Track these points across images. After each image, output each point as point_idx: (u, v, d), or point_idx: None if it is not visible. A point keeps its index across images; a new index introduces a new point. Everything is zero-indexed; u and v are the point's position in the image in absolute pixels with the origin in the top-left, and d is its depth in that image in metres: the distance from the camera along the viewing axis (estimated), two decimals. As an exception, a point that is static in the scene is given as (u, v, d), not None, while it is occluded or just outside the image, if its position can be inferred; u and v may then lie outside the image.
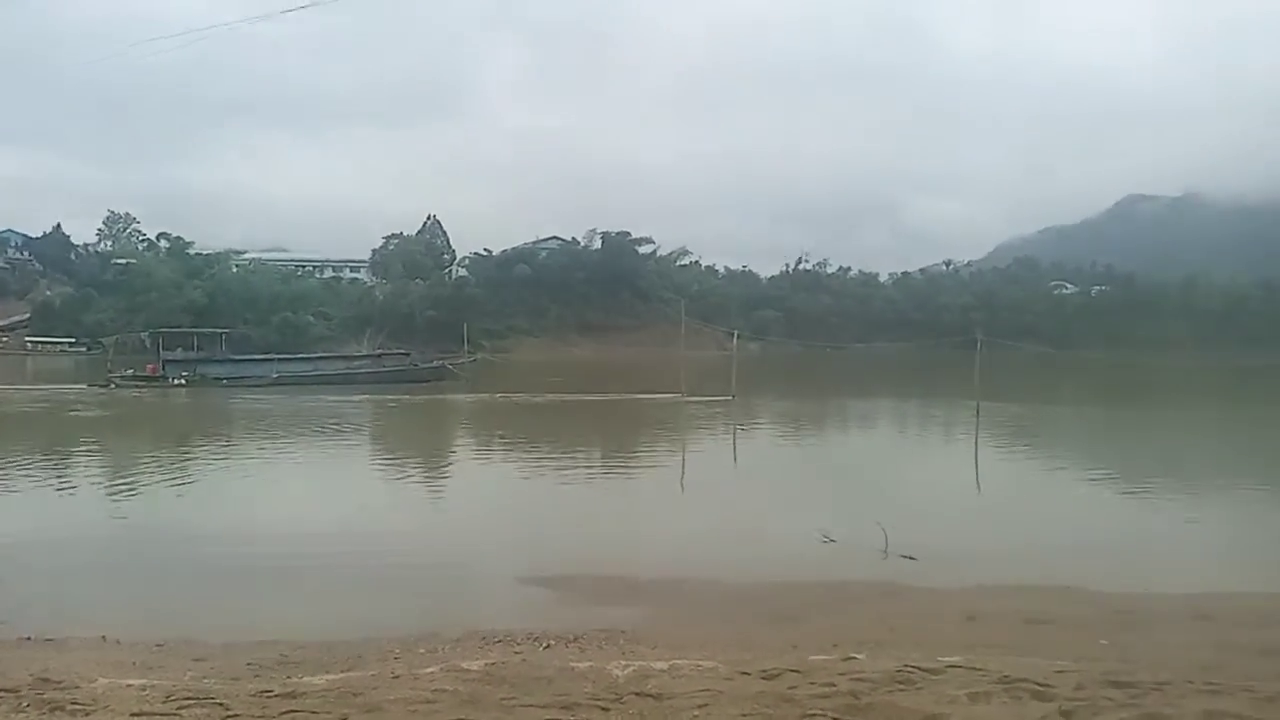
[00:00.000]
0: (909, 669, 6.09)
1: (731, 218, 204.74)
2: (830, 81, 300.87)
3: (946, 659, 6.42)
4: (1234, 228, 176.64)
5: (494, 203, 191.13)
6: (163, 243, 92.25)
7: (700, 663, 6.49)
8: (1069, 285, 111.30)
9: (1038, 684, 5.73)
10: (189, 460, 20.81)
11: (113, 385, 42.44)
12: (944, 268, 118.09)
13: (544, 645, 7.36)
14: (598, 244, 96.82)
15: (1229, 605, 8.86)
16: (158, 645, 7.60)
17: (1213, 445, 24.36)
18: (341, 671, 6.57)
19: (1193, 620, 8.33)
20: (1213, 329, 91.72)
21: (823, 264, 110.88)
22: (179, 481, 17.74)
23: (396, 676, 6.26)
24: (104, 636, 7.80)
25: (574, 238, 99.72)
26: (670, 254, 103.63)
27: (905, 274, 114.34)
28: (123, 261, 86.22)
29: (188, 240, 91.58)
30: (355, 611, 8.90)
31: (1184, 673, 6.24)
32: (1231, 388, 45.59)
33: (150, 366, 46.28)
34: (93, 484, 17.81)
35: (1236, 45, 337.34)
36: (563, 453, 22.28)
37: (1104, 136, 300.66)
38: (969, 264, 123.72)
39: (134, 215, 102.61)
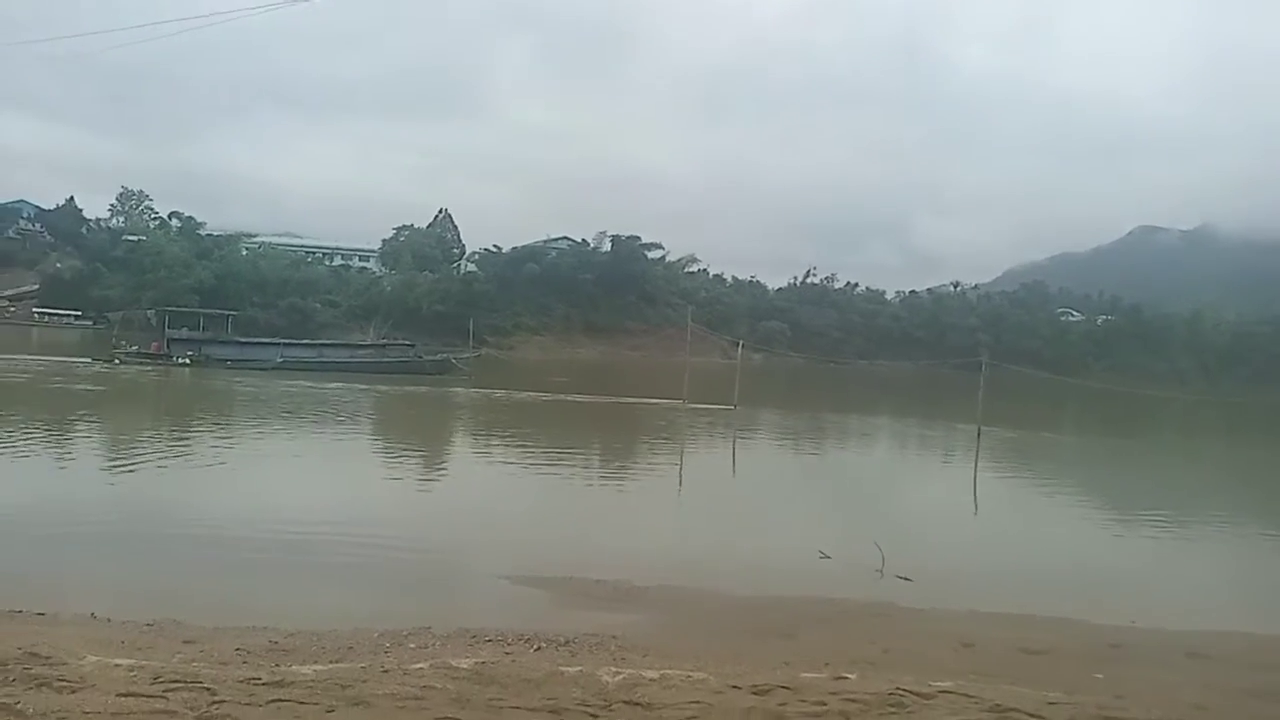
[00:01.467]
0: (901, 692, 6.04)
1: (740, 228, 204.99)
2: (843, 98, 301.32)
3: (939, 684, 6.37)
4: (1244, 263, 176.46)
5: (506, 199, 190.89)
6: (174, 222, 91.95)
7: (691, 674, 6.44)
8: (1075, 313, 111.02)
9: (1029, 714, 5.68)
10: (189, 441, 20.83)
11: (117, 361, 42.60)
12: (951, 288, 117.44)
13: (535, 647, 7.31)
14: (607, 246, 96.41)
15: (1222, 644, 8.81)
16: (147, 625, 7.57)
17: (1212, 480, 24.29)
18: (330, 662, 6.54)
19: (1186, 658, 8.27)
20: (1218, 363, 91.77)
21: (830, 278, 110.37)
22: (177, 462, 17.75)
23: (386, 670, 6.22)
24: (94, 613, 7.79)
25: (584, 239, 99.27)
26: (679, 260, 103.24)
27: (913, 292, 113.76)
28: (133, 238, 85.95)
29: (199, 221, 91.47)
30: (347, 602, 8.88)
31: (1175, 711, 6.21)
32: (1233, 423, 45.46)
33: (155, 344, 46.57)
34: (91, 458, 17.84)
35: (1252, 77, 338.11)
36: (562, 453, 22.25)
37: (1118, 164, 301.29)
38: (976, 286, 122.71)
39: (147, 193, 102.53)
